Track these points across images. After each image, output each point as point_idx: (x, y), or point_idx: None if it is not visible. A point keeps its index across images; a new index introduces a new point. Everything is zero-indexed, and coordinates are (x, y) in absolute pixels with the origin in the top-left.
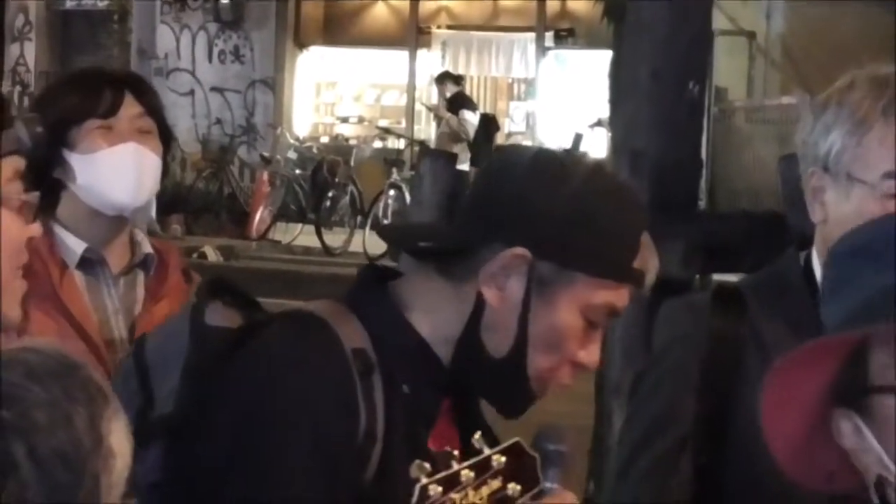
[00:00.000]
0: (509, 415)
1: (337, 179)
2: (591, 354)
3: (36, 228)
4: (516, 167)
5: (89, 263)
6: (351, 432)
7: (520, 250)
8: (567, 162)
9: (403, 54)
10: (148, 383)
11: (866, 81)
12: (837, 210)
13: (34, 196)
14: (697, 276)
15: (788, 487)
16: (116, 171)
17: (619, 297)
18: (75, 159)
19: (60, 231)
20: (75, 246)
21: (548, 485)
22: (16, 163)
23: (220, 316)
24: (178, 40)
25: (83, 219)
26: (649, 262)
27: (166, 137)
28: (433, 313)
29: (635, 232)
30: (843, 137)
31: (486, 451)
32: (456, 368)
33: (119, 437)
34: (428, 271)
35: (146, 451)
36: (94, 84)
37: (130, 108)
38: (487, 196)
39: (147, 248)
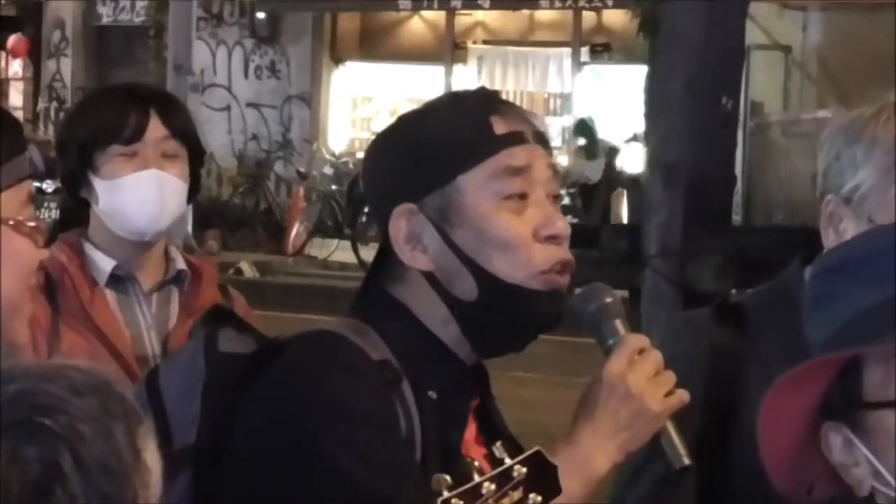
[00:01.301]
0: (551, 324)
1: None
2: (549, 223)
3: (45, 253)
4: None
5: (119, 280)
6: (398, 429)
7: (400, 208)
8: (386, 128)
9: (439, 69)
10: (164, 417)
11: None
12: None
13: (45, 221)
14: (733, 291)
15: None
16: (137, 198)
17: (511, 157)
18: (98, 183)
19: (90, 249)
20: (104, 264)
21: (610, 341)
22: (28, 187)
23: (234, 342)
24: (214, 56)
25: (108, 240)
26: (519, 120)
27: (197, 155)
28: (422, 309)
29: (470, 109)
30: (871, 180)
31: (508, 462)
32: (473, 340)
33: (153, 455)
34: (391, 289)
35: (171, 485)
36: (119, 106)
37: (156, 131)
38: (366, 197)
39: (180, 264)
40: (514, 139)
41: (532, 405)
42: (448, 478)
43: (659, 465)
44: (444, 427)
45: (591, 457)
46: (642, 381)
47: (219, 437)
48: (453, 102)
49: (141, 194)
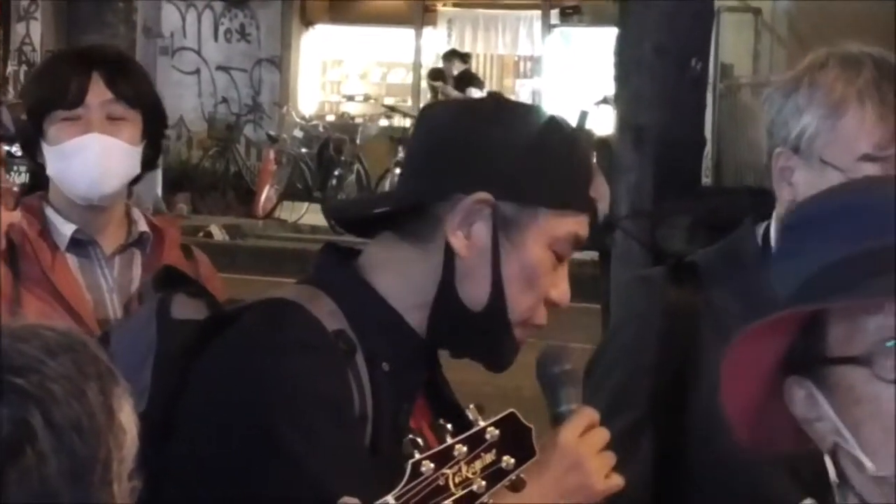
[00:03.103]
0: (499, 367)
1: (343, 158)
2: (561, 291)
3: (16, 215)
4: (458, 116)
5: (80, 244)
6: (351, 410)
7: (481, 194)
8: (504, 103)
9: (409, 32)
10: None
11: (840, 61)
12: (809, 194)
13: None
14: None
15: (749, 465)
16: (78, 162)
17: (580, 225)
18: (46, 149)
19: (51, 213)
20: (65, 228)
21: (564, 407)
22: None
23: (186, 308)
24: (183, 19)
25: (67, 203)
26: (601, 189)
27: (154, 118)
28: (402, 282)
29: (586, 161)
30: (816, 121)
31: (481, 424)
32: (436, 330)
33: (127, 415)
34: (389, 240)
35: None
36: (63, 71)
37: (99, 94)
38: (436, 148)
39: (143, 226)
40: (593, 209)
41: None
42: (420, 440)
43: (615, 425)
44: (395, 399)
45: None
46: (592, 455)
47: (169, 406)
48: (574, 139)
49: (82, 158)
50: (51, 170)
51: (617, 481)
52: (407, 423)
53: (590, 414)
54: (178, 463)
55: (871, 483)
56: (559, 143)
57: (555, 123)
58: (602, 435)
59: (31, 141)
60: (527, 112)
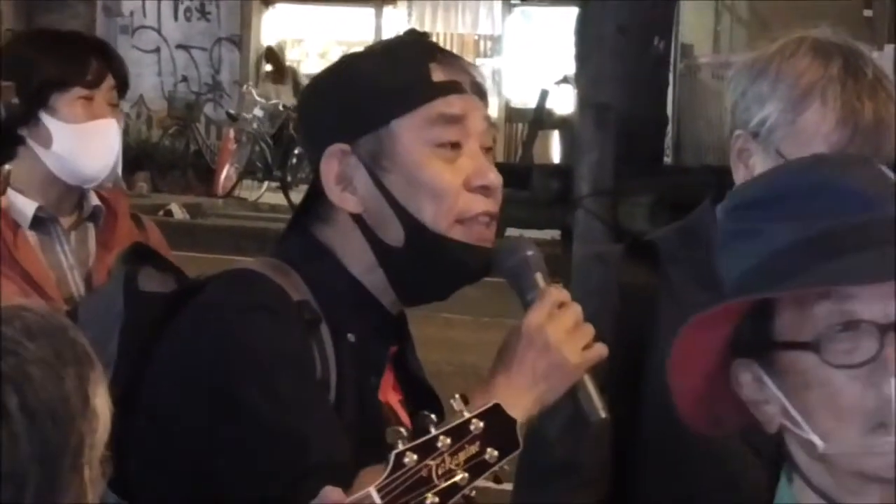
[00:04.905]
0: (476, 274)
1: None
2: (480, 173)
3: (4, 200)
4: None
5: (41, 222)
6: (313, 372)
7: (332, 148)
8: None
9: (369, 11)
10: None
11: (810, 51)
12: None
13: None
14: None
15: (704, 437)
16: (95, 145)
17: (445, 105)
18: (54, 125)
19: (10, 191)
20: (26, 207)
21: (532, 294)
22: None
23: (153, 281)
24: None
25: (40, 182)
26: (458, 69)
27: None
28: (349, 254)
29: (413, 56)
30: (778, 113)
31: (465, 415)
32: (399, 286)
33: (102, 401)
34: (319, 229)
35: None
36: (78, 50)
37: (109, 80)
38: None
39: (94, 200)
40: (452, 88)
41: (461, 346)
42: (403, 430)
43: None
44: (361, 371)
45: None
46: (561, 333)
47: (135, 378)
48: (393, 47)
49: (99, 143)
50: (57, 147)
51: (597, 352)
52: (375, 396)
53: (555, 293)
54: (143, 433)
55: (817, 464)
56: (377, 57)
57: (360, 52)
58: (573, 311)
59: (25, 113)
60: (342, 59)
